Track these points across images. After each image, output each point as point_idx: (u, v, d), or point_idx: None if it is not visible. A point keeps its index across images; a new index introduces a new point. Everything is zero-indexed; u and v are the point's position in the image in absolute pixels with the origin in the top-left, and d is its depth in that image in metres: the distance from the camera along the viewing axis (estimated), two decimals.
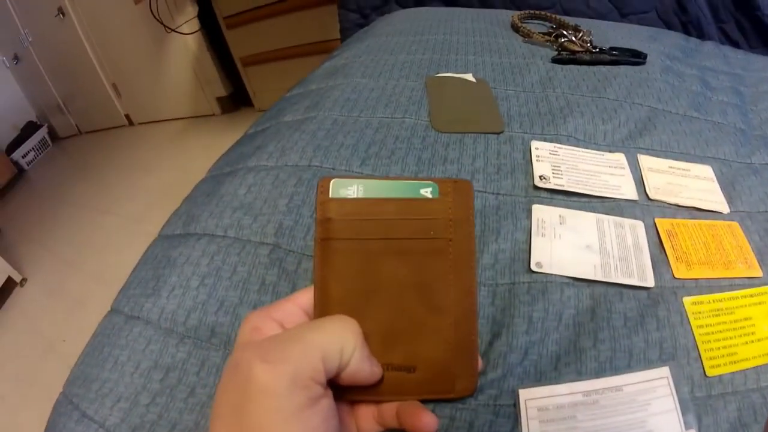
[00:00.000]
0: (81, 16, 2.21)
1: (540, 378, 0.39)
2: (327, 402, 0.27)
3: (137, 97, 2.37)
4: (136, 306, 0.48)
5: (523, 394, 0.39)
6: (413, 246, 0.33)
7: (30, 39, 2.40)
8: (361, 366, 0.29)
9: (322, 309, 0.32)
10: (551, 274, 0.45)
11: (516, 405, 0.38)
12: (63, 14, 2.25)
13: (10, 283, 1.83)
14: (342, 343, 0.28)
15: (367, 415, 0.33)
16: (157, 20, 1.98)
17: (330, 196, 0.34)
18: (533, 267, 0.45)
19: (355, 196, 0.34)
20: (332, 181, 0.34)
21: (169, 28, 2.01)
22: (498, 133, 0.61)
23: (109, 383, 0.43)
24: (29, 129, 2.84)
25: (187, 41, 2.08)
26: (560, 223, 0.50)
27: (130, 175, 2.18)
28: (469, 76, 0.72)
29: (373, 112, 0.65)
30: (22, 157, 2.72)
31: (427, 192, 0.34)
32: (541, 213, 0.50)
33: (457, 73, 0.73)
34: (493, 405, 0.38)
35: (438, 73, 0.74)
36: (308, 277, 0.46)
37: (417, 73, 0.74)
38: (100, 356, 0.45)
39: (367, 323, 0.31)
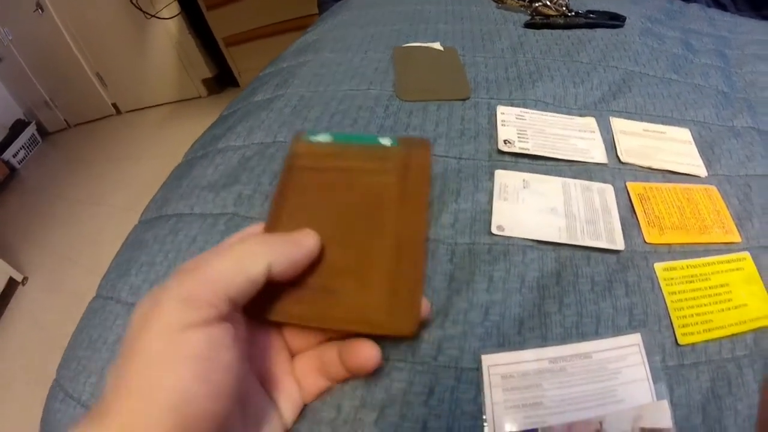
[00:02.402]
0: (60, 9, 2.17)
1: (503, 342, 0.38)
2: (221, 331, 0.26)
3: (123, 86, 2.35)
4: (112, 288, 0.48)
5: (486, 359, 0.37)
6: (367, 179, 0.36)
7: (10, 37, 2.36)
8: (287, 268, 0.29)
9: (272, 221, 0.34)
10: (513, 237, 0.44)
11: (479, 370, 0.37)
12: (41, 9, 2.21)
13: (12, 284, 1.84)
14: (246, 269, 0.27)
15: (308, 368, 0.33)
16: (137, 7, 1.95)
17: (301, 140, 0.39)
18: (494, 230, 0.44)
19: (323, 141, 0.39)
20: (307, 131, 0.39)
21: (149, 14, 1.97)
22: (463, 100, 0.59)
23: (84, 360, 0.43)
24: (18, 127, 2.80)
25: (168, 25, 2.06)
26: (524, 188, 0.48)
27: (121, 165, 2.17)
28: (437, 45, 0.70)
29: (339, 86, 0.64)
30: (13, 156, 2.69)
31: (386, 142, 0.39)
32: (504, 178, 0.49)
33: (425, 42, 0.72)
34: (454, 368, 0.37)
35: (407, 44, 0.72)
36: None
37: (385, 45, 0.73)
38: (79, 338, 0.45)
39: None
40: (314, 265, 0.31)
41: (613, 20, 0.88)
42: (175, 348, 0.24)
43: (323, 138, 0.39)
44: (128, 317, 0.44)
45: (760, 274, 0.46)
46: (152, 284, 0.46)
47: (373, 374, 0.35)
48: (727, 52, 0.86)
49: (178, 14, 2.04)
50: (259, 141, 0.58)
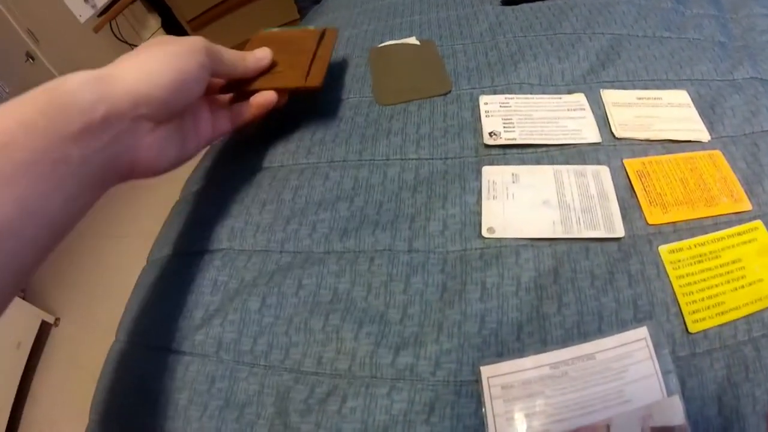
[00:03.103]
0: (50, 56, 2.19)
1: (502, 350, 0.36)
2: (201, 67, 0.41)
3: None
4: (124, 331, 0.49)
5: (485, 371, 0.36)
6: (299, 32, 0.61)
7: (7, 90, 2.40)
8: (234, 66, 0.48)
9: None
10: (505, 239, 0.42)
11: (479, 382, 0.35)
12: (32, 59, 2.23)
13: (45, 326, 1.87)
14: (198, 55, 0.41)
15: (224, 116, 0.49)
16: (123, 42, 1.96)
17: (259, 31, 0.61)
18: (484, 233, 0.42)
19: (273, 29, 0.61)
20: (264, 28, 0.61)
21: (136, 46, 1.98)
22: (445, 94, 0.57)
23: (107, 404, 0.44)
24: None
25: None
26: (513, 182, 0.46)
27: (132, 192, 2.20)
28: (413, 40, 0.68)
29: (316, 99, 0.63)
30: None
31: (311, 26, 0.62)
32: (492, 174, 0.47)
33: (401, 38, 0.70)
34: (453, 382, 0.35)
35: (382, 43, 0.70)
36: (256, 270, 0.46)
37: (361, 47, 0.71)
38: (100, 384, 0.47)
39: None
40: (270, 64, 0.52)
41: None
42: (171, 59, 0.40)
43: (273, 28, 0.61)
44: (140, 360, 0.44)
45: None
46: (162, 327, 0.45)
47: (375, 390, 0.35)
48: None
49: None
50: (249, 167, 0.57)
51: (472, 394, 0.35)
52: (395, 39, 0.70)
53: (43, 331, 1.87)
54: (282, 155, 0.56)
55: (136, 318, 0.48)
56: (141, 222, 2.06)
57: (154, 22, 2.03)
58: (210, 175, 0.60)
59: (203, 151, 0.71)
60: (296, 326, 0.41)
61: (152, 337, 0.45)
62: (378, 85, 0.60)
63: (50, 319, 1.90)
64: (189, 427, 0.39)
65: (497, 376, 0.36)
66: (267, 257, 0.47)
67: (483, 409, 0.35)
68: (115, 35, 1.93)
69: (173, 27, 2.02)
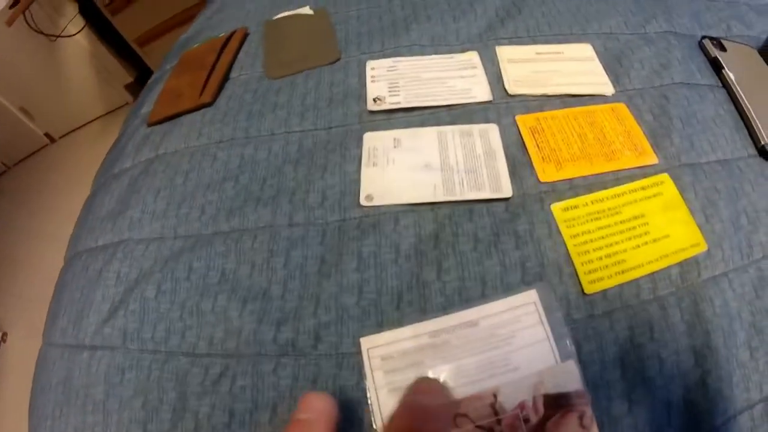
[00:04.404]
0: None
1: (382, 321, 0.36)
2: None
3: (50, 113, 2.27)
4: (48, 333, 0.49)
5: (365, 342, 0.35)
6: (202, 50, 0.65)
7: None
8: None
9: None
10: (383, 206, 0.42)
11: (359, 354, 0.35)
12: None
13: None
14: None
15: None
16: (40, 32, 1.85)
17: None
18: (363, 201, 0.42)
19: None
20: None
21: (54, 36, 1.88)
22: (333, 63, 0.56)
23: (39, 408, 0.44)
24: None
25: (78, 41, 1.98)
26: (394, 147, 0.45)
27: (69, 194, 2.09)
28: (306, 9, 0.66)
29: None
30: None
31: (221, 35, 0.67)
32: (373, 141, 0.46)
33: (297, 8, 0.68)
34: (335, 355, 0.36)
35: (278, 15, 0.68)
36: (152, 257, 0.46)
37: (258, 21, 0.68)
38: (34, 387, 0.47)
39: None
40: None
41: None
42: None
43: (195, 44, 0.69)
44: (63, 360, 0.44)
45: (683, 196, 0.42)
46: (75, 326, 0.45)
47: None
48: None
49: (83, 27, 1.95)
50: (144, 158, 0.55)
51: (353, 366, 0.35)
52: (292, 9, 0.69)
53: None
54: (176, 140, 0.54)
55: (56, 319, 0.47)
56: (72, 225, 1.99)
57: (71, 8, 1.92)
58: (112, 167, 0.59)
59: (111, 141, 0.70)
60: (189, 310, 0.40)
61: (69, 336, 0.45)
62: (268, 58, 0.59)
63: None
64: (109, 419, 0.39)
65: (377, 347, 0.35)
66: (162, 244, 0.46)
67: (364, 382, 0.34)
68: (30, 26, 1.82)
69: (91, 12, 1.93)
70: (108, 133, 2.26)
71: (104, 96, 2.27)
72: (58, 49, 1.99)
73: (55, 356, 0.45)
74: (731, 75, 0.55)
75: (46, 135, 2.35)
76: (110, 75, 2.18)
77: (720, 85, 0.54)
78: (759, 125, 0.49)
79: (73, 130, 2.40)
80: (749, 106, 0.51)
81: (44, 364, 0.46)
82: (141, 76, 2.19)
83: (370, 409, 0.33)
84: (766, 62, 0.59)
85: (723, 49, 0.59)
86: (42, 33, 1.83)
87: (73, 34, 1.95)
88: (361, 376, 0.35)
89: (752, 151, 0.48)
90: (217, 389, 0.37)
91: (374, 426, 0.33)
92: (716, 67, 0.57)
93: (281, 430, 0.29)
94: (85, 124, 2.38)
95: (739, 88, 0.53)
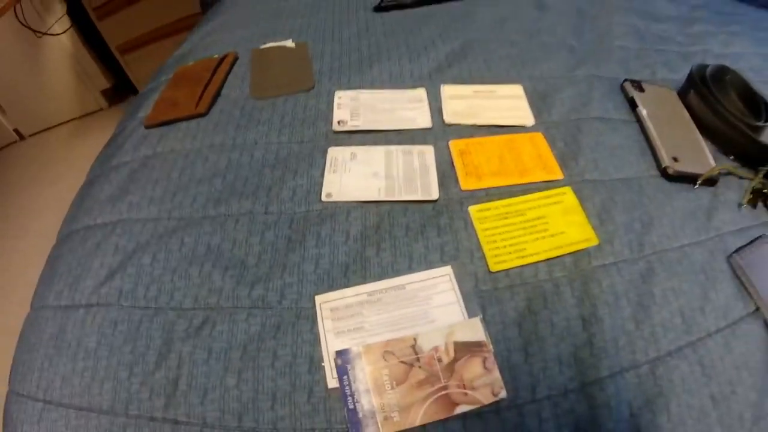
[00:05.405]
0: None
1: (332, 284, 0.48)
2: None
3: (23, 110, 2.25)
4: (41, 298, 0.55)
5: (318, 299, 0.47)
6: (198, 67, 0.77)
7: None
8: None
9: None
10: (339, 202, 0.54)
11: (314, 307, 0.47)
12: None
13: None
14: None
15: None
16: (27, 27, 1.89)
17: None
18: (324, 198, 0.54)
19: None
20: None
21: (41, 32, 1.92)
22: (308, 90, 0.69)
23: (27, 363, 0.50)
24: None
25: (61, 41, 2.00)
26: (351, 159, 0.58)
27: (34, 191, 2.11)
28: (289, 42, 0.79)
29: None
30: None
31: (215, 55, 0.79)
32: (335, 153, 0.59)
33: (281, 40, 0.81)
34: (295, 308, 0.47)
35: (264, 44, 0.81)
36: (149, 233, 0.55)
37: (246, 48, 0.81)
38: (20, 346, 0.52)
39: None
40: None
41: None
42: None
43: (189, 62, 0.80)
44: (56, 319, 0.51)
45: (582, 204, 0.54)
46: (72, 288, 0.53)
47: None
48: (585, 7, 0.94)
49: (69, 28, 1.99)
50: (143, 154, 0.66)
51: (308, 316, 0.47)
52: (276, 40, 0.81)
53: None
54: (173, 141, 0.65)
55: (50, 285, 0.55)
56: (40, 221, 1.98)
57: (59, 7, 1.97)
58: (110, 160, 0.68)
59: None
60: (179, 274, 0.51)
61: (65, 297, 0.53)
62: (254, 81, 0.71)
63: None
64: (98, 364, 0.47)
65: (327, 302, 0.47)
66: (158, 223, 0.56)
67: (316, 327, 0.46)
68: (19, 20, 1.86)
69: (79, 14, 1.98)
70: (78, 137, 2.24)
71: (80, 99, 2.23)
72: (41, 46, 1.99)
73: (47, 316, 0.52)
74: (644, 111, 0.67)
75: (16, 131, 2.29)
76: (89, 79, 2.16)
77: (634, 120, 0.67)
78: (662, 151, 0.61)
79: (44, 130, 2.31)
80: (656, 136, 0.63)
81: (33, 326, 0.52)
82: (118, 84, 2.19)
83: (321, 347, 0.45)
84: (683, 100, 0.70)
85: (642, 90, 0.71)
86: (29, 28, 1.85)
87: (59, 34, 1.97)
88: (314, 323, 0.46)
89: (655, 172, 0.60)
90: (199, 333, 0.47)
91: (323, 359, 0.44)
92: (633, 105, 0.69)
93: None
94: (56, 125, 2.29)
95: (649, 122, 0.65)
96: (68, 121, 2.30)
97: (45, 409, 0.46)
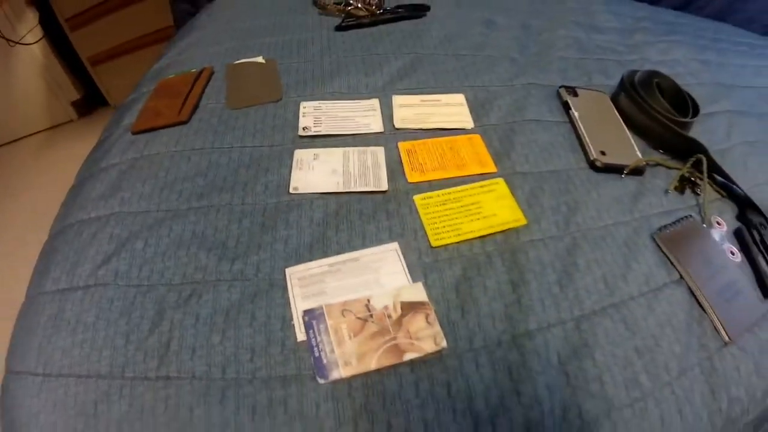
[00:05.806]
0: None
1: (300, 259, 0.58)
2: None
3: None
4: (37, 286, 0.60)
5: (289, 271, 0.57)
6: (178, 80, 0.84)
7: None
8: None
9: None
10: (305, 193, 0.65)
11: (285, 278, 0.57)
12: None
13: None
14: None
15: None
16: (0, 36, 1.91)
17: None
18: (291, 191, 0.65)
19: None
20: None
21: (13, 41, 1.94)
22: (277, 101, 0.80)
23: (24, 344, 0.54)
24: None
25: (33, 51, 2.00)
26: (314, 159, 0.69)
27: (1, 201, 2.07)
28: (260, 59, 0.90)
29: None
30: None
31: (194, 69, 0.87)
32: (301, 155, 0.70)
33: (252, 57, 0.91)
34: (269, 279, 0.56)
35: (237, 60, 0.91)
36: (140, 223, 0.64)
37: (221, 63, 0.90)
38: (17, 330, 0.57)
39: None
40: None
41: (417, 11, 1.07)
42: None
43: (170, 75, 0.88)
44: (54, 302, 0.56)
45: (513, 192, 0.65)
46: (70, 274, 0.59)
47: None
48: (532, 23, 1.04)
49: (41, 38, 2.02)
50: (131, 157, 0.74)
51: (280, 285, 0.56)
52: (249, 57, 0.92)
53: None
54: (158, 145, 0.75)
55: (46, 273, 0.61)
56: (6, 233, 1.93)
57: (32, 16, 1.98)
58: (98, 163, 0.76)
59: (86, 139, 0.86)
60: (168, 256, 0.59)
61: (62, 282, 0.59)
62: (230, 93, 0.81)
63: None
64: (97, 335, 0.53)
65: (296, 273, 0.57)
66: (148, 215, 0.64)
67: (286, 294, 0.56)
68: None
69: (51, 24, 2.01)
70: (49, 147, 2.17)
71: (50, 110, 2.24)
72: (12, 55, 1.97)
73: (45, 301, 0.57)
74: (576, 113, 0.77)
75: None
76: (59, 89, 2.14)
77: (567, 121, 0.78)
78: (590, 146, 0.71)
79: (13, 141, 2.27)
80: (585, 133, 0.73)
81: (30, 311, 0.57)
82: (88, 95, 2.20)
83: (291, 309, 0.54)
84: (615, 103, 0.80)
85: (576, 95, 0.81)
86: (2, 37, 1.87)
87: (30, 43, 1.98)
88: (285, 290, 0.56)
89: (584, 165, 0.71)
90: (188, 303, 0.55)
91: (293, 318, 0.54)
92: (566, 108, 0.79)
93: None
94: (25, 137, 2.25)
95: (579, 122, 0.75)
96: (37, 133, 2.25)
97: (45, 381, 0.50)
